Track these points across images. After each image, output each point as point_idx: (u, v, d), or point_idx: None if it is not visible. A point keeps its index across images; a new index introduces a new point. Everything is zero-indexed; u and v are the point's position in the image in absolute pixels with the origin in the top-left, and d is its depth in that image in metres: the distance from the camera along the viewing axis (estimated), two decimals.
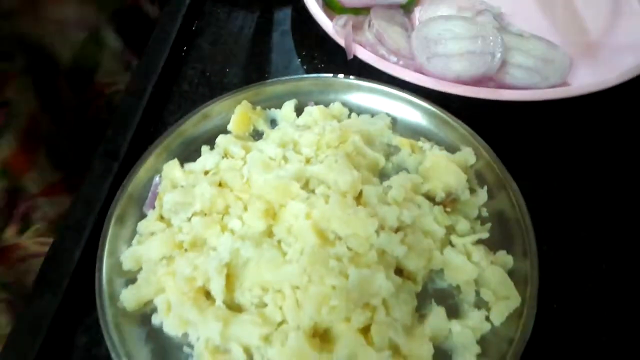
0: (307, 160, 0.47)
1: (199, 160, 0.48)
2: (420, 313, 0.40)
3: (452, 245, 0.43)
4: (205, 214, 0.44)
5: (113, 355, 0.38)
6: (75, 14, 0.58)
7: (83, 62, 0.59)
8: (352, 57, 0.54)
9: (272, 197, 0.43)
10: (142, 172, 0.47)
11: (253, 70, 0.62)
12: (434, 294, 0.42)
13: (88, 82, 0.60)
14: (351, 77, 0.53)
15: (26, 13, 0.50)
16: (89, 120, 0.61)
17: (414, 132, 0.51)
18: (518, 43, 0.55)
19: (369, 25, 0.58)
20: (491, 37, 0.54)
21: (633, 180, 0.51)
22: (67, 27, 0.57)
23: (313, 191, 0.44)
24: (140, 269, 0.43)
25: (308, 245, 0.39)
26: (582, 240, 0.47)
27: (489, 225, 0.45)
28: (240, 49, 0.64)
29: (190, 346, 0.40)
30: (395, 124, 0.51)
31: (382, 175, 0.47)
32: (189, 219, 0.44)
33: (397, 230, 0.41)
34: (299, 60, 0.62)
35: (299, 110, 0.52)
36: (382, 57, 0.54)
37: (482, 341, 0.39)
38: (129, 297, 0.41)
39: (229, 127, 0.51)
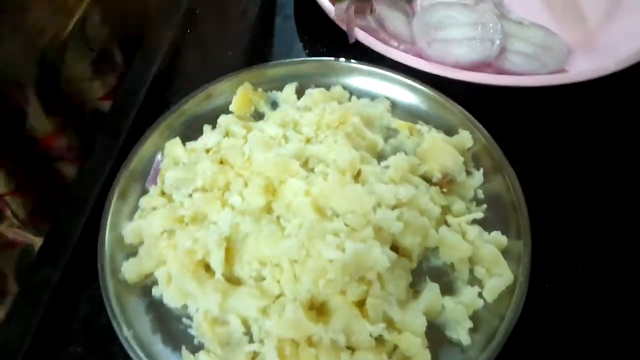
0: (307, 140, 0.47)
1: (200, 138, 0.49)
2: (415, 289, 0.41)
3: (448, 225, 0.44)
4: (206, 190, 0.44)
5: (114, 324, 0.39)
6: None
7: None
8: (353, 41, 0.55)
9: (272, 174, 0.43)
10: (144, 149, 0.48)
11: (255, 53, 0.62)
12: (428, 272, 0.43)
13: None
14: (352, 60, 0.53)
15: None
16: None
17: (412, 116, 0.51)
18: (517, 30, 0.56)
19: (371, 11, 0.58)
20: (491, 24, 0.54)
21: (627, 166, 0.52)
22: None
23: (312, 170, 0.45)
24: (142, 242, 0.43)
25: (307, 221, 0.40)
26: (575, 223, 0.48)
27: (484, 206, 0.45)
28: (243, 32, 0.64)
29: (190, 317, 0.41)
30: (395, 108, 0.52)
31: (381, 157, 0.48)
32: (190, 195, 0.44)
33: (393, 207, 0.42)
34: (301, 44, 0.63)
35: (300, 93, 0.53)
36: (383, 41, 0.55)
37: (474, 317, 0.40)
38: (130, 270, 0.42)
39: (231, 107, 0.52)
